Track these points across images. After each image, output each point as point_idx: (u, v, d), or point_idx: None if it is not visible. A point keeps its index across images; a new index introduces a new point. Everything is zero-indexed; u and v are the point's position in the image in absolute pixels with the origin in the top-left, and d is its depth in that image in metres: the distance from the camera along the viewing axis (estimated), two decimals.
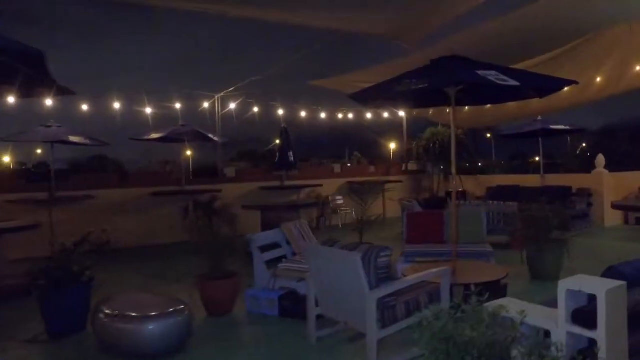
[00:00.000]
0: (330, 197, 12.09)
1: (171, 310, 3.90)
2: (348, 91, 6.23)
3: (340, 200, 12.10)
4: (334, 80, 8.99)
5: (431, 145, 12.59)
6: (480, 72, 4.01)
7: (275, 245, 5.63)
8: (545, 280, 5.73)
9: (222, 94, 10.90)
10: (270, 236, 5.54)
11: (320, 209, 11.91)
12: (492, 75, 3.96)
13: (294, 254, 5.56)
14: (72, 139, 8.74)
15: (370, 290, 3.27)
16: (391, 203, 11.48)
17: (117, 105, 10.11)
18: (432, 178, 13.54)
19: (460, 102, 5.38)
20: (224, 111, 11.36)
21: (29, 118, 9.63)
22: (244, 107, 11.50)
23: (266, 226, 8.20)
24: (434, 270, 3.79)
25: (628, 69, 7.36)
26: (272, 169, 11.57)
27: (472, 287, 4.34)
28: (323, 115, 12.57)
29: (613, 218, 10.07)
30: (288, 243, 5.66)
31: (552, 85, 4.28)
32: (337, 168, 12.60)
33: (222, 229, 5.44)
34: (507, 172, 17.29)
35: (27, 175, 9.59)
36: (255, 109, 11.64)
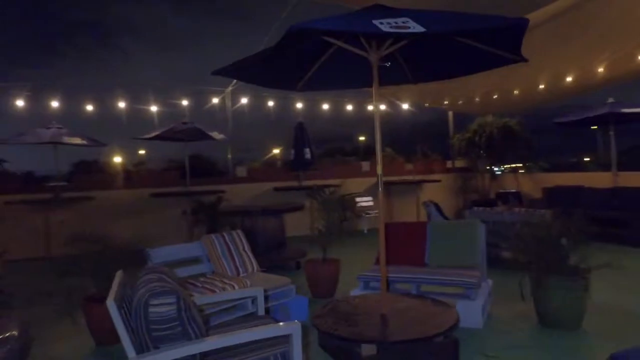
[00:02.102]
0: (357, 199, 10.76)
1: None
2: None
3: (366, 202, 10.72)
4: None
5: (476, 138, 10.63)
6: (375, 21, 2.61)
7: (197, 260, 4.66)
8: (557, 327, 3.99)
9: (230, 88, 10.13)
10: (181, 250, 4.53)
11: (343, 212, 10.64)
12: (388, 24, 2.54)
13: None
14: (68, 140, 8.54)
15: (135, 355, 2.13)
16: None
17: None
18: (482, 176, 11.52)
19: (396, 77, 3.93)
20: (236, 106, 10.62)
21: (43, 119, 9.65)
22: (258, 101, 10.66)
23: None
24: (270, 326, 2.49)
25: None
26: (288, 168, 10.60)
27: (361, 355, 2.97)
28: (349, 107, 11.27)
29: None
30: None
31: (496, 26, 2.63)
32: (365, 166, 11.21)
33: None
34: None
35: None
36: (270, 103, 10.72)
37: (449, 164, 11.82)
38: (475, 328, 4.02)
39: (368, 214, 10.54)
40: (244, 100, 10.53)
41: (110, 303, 2.14)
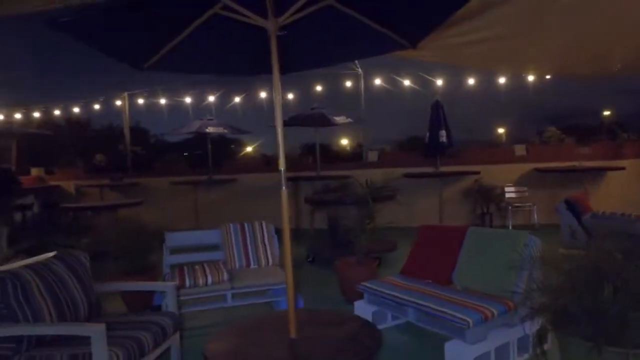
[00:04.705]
0: (506, 189, 9.07)
1: None
2: None
3: (514, 193, 8.93)
4: None
5: None
6: None
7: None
8: None
9: (359, 69, 9.78)
10: (198, 236, 4.68)
11: (485, 204, 9.13)
12: None
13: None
14: (210, 129, 9.72)
15: None
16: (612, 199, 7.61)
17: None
18: None
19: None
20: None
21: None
22: (390, 82, 10.02)
23: (330, 225, 6.92)
24: (67, 325, 2.31)
25: None
26: (422, 152, 9.69)
27: None
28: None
29: None
30: None
31: None
32: (519, 150, 9.25)
33: None
34: None
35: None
36: (407, 82, 9.93)
37: None
38: None
39: (517, 207, 8.76)
40: (377, 81, 10.05)
41: None
